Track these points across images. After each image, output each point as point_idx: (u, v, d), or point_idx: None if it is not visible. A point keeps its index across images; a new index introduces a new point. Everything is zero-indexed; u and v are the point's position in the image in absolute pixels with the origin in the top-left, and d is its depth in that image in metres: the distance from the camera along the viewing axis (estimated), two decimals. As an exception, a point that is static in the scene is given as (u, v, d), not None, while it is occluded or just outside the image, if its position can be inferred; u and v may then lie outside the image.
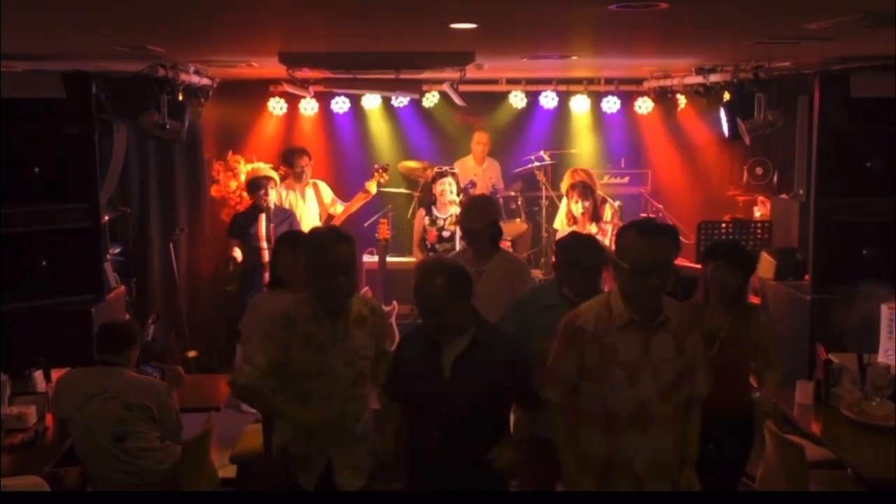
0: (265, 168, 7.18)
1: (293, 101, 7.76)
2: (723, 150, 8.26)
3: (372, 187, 7.17)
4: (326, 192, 7.42)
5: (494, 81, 8.06)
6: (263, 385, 3.31)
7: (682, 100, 7.90)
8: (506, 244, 6.13)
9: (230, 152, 7.94)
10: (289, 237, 4.58)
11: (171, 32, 4.43)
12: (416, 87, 6.62)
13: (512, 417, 3.51)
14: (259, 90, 7.84)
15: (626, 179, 8.06)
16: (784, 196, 6.92)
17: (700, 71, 6.68)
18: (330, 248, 3.30)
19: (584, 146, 8.33)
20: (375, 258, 7.10)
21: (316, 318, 3.34)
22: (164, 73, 5.55)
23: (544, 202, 7.59)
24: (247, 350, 3.49)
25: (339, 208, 7.30)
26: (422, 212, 6.90)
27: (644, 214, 7.40)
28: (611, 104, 8.04)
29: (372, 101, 7.92)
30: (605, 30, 4.53)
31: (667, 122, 8.36)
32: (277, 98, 7.84)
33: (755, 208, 7.67)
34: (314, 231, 4.29)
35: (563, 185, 6.59)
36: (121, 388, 4.07)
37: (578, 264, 3.82)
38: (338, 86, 6.90)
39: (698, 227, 6.79)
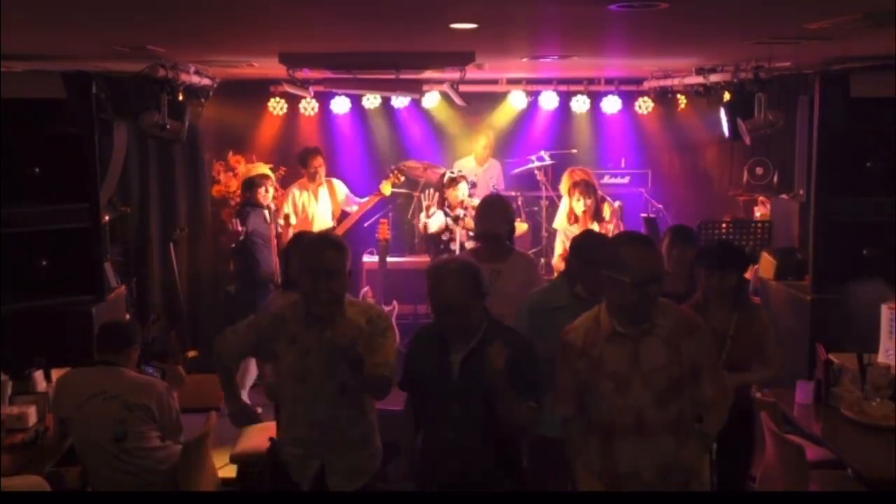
0: (263, 167, 7.19)
1: (293, 101, 7.75)
2: (723, 150, 8.26)
3: (386, 188, 7.18)
4: (341, 190, 7.42)
5: (494, 81, 8.06)
6: (229, 357, 3.51)
7: (682, 100, 7.90)
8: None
9: (230, 152, 7.94)
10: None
11: (171, 32, 4.43)
12: (416, 87, 6.61)
13: None
14: (259, 90, 7.83)
15: (626, 179, 8.06)
16: (784, 196, 6.90)
17: (700, 71, 6.68)
18: (316, 253, 3.28)
19: (584, 146, 8.33)
20: (375, 258, 7.10)
21: (304, 321, 3.33)
22: (164, 73, 5.54)
23: (544, 202, 7.59)
24: (239, 325, 3.52)
25: (353, 208, 7.33)
26: (439, 213, 6.86)
27: (644, 214, 7.38)
28: (611, 104, 8.04)
29: (372, 102, 7.91)
30: (605, 30, 4.52)
31: (667, 122, 8.37)
32: (277, 98, 7.84)
33: (755, 208, 7.66)
34: (304, 235, 4.29)
35: (563, 185, 6.58)
36: (121, 388, 4.08)
37: (594, 262, 3.82)
38: (338, 86, 6.89)
39: (698, 226, 6.76)
